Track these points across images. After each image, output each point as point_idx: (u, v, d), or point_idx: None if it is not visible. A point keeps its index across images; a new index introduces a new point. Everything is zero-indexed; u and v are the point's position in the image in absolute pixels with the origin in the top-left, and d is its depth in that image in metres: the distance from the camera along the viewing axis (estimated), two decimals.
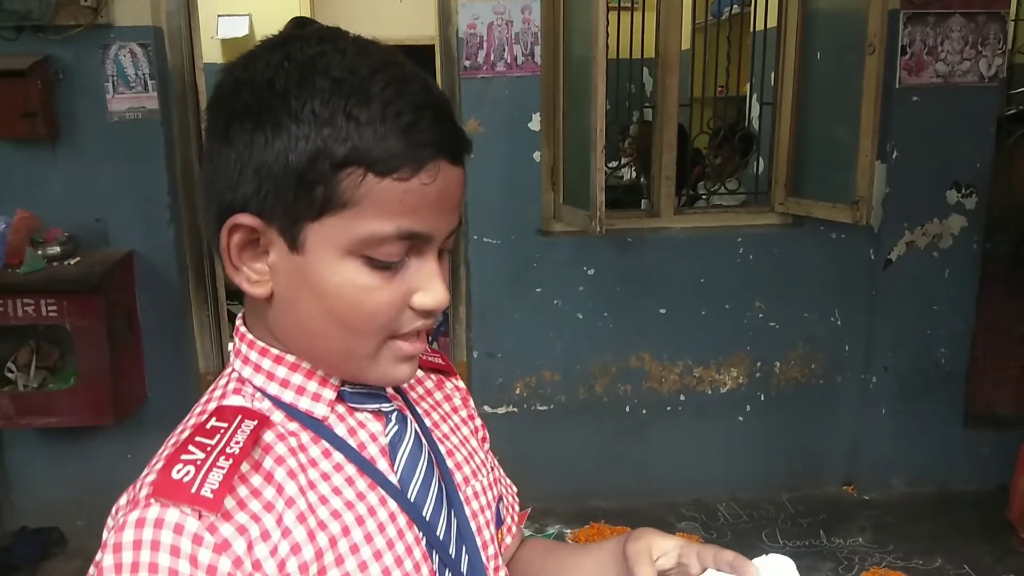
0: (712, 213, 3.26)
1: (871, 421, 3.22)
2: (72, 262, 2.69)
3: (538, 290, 3.01)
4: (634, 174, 4.16)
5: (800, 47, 3.01)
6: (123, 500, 0.63)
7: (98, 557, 0.60)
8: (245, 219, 0.62)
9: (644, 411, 3.17)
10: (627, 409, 3.16)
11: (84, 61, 2.74)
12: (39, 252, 2.66)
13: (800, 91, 3.04)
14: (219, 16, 5.48)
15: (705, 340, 3.14)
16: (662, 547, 0.75)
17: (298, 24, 0.66)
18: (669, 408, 3.18)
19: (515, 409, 3.09)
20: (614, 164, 4.29)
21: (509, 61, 2.82)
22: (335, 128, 0.59)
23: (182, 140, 2.92)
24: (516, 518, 0.91)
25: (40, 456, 2.99)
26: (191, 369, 3.07)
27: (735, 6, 4.10)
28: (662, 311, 3.09)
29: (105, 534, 0.63)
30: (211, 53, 4.68)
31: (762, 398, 3.22)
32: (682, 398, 3.18)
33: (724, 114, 3.65)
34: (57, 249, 2.70)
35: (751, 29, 3.48)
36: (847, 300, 3.16)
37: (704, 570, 0.72)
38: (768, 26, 3.22)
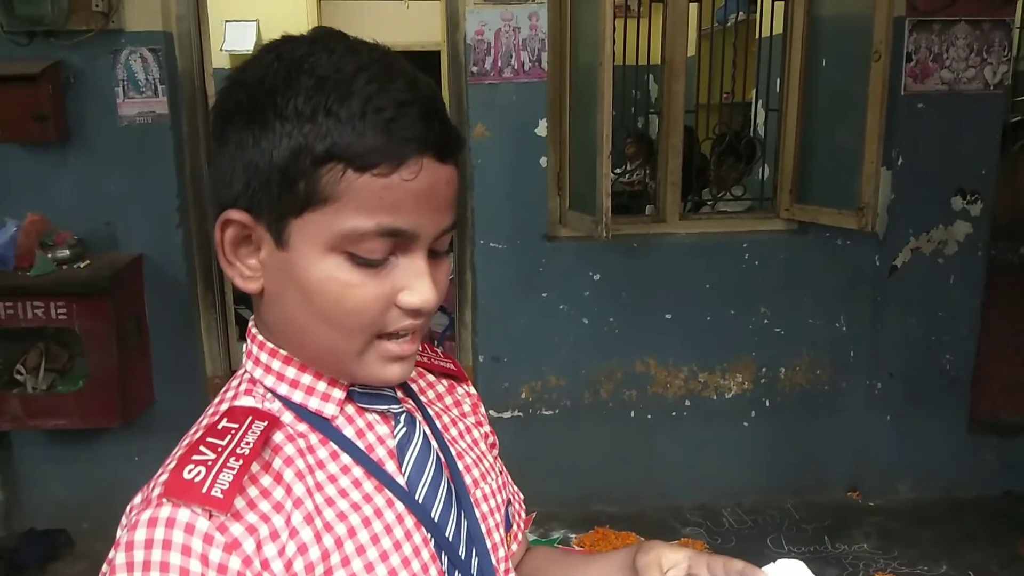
0: (717, 219, 3.26)
1: (876, 427, 3.22)
2: (82, 265, 2.71)
3: (544, 295, 3.02)
4: (646, 178, 4.16)
5: (806, 54, 3.02)
6: (137, 499, 0.64)
7: (111, 555, 0.61)
8: (234, 215, 0.64)
9: (649, 416, 3.17)
10: (632, 414, 3.17)
11: (95, 66, 2.77)
12: (49, 255, 2.68)
13: (806, 97, 3.05)
14: (226, 22, 5.50)
15: (710, 345, 3.15)
16: (672, 559, 0.75)
17: (278, 42, 0.66)
18: (674, 413, 3.19)
19: (520, 413, 3.09)
20: (619, 170, 4.31)
21: (516, 67, 2.84)
22: (315, 124, 0.60)
23: (191, 144, 2.94)
24: (523, 524, 0.92)
25: (48, 458, 3.00)
26: (199, 372, 3.08)
27: (741, 13, 4.11)
28: (667, 316, 3.10)
29: (119, 532, 0.64)
30: (219, 61, 4.70)
31: (767, 404, 3.22)
32: (687, 403, 3.19)
33: (730, 120, 3.66)
34: (67, 252, 2.72)
35: (757, 36, 3.50)
36: (852, 306, 3.16)
37: None
38: (774, 33, 3.23)
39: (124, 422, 2.78)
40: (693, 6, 3.08)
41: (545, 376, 3.09)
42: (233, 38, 5.64)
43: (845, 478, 3.30)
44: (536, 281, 3.01)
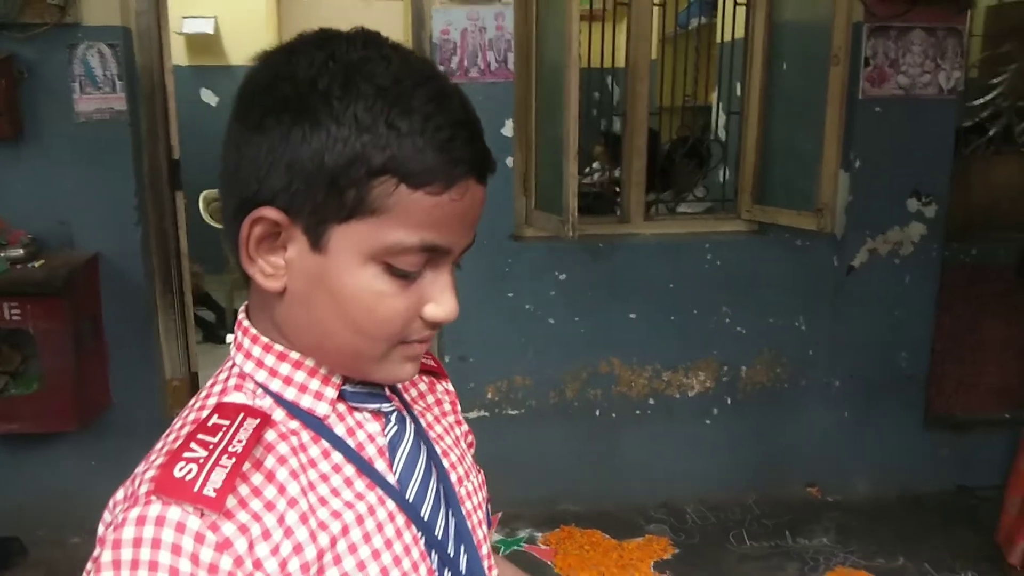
0: (680, 220, 3.31)
1: (834, 424, 3.29)
2: (36, 264, 2.64)
3: (510, 295, 3.02)
4: (609, 180, 4.20)
5: (766, 58, 3.07)
6: (120, 495, 0.63)
7: (96, 552, 0.59)
8: (270, 212, 0.62)
9: (614, 415, 3.20)
10: (597, 413, 3.19)
11: (50, 60, 2.70)
12: (2, 254, 2.61)
13: (766, 101, 3.11)
14: (184, 17, 5.41)
15: (673, 345, 3.18)
16: None
17: (325, 37, 0.65)
18: (638, 412, 3.21)
19: (487, 413, 3.09)
20: (586, 170, 4.34)
21: (483, 67, 2.84)
22: (375, 135, 0.59)
23: (150, 141, 2.88)
24: (492, 523, 0.93)
25: (0, 463, 2.91)
26: (157, 375, 3.02)
27: (702, 18, 4.17)
28: (632, 316, 3.13)
29: (101, 529, 0.62)
30: (177, 53, 4.61)
31: (729, 402, 3.27)
32: (651, 402, 3.22)
33: (692, 123, 3.71)
34: (21, 251, 2.65)
35: (717, 40, 3.55)
36: (811, 306, 3.23)
37: None
38: (735, 37, 3.28)
39: (80, 426, 2.71)
40: (657, 10, 3.11)
41: (511, 376, 3.09)
42: (190, 28, 5.56)
43: (805, 474, 3.37)
44: (502, 281, 3.01)
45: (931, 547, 2.98)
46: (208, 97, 6.18)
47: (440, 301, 0.66)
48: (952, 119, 3.11)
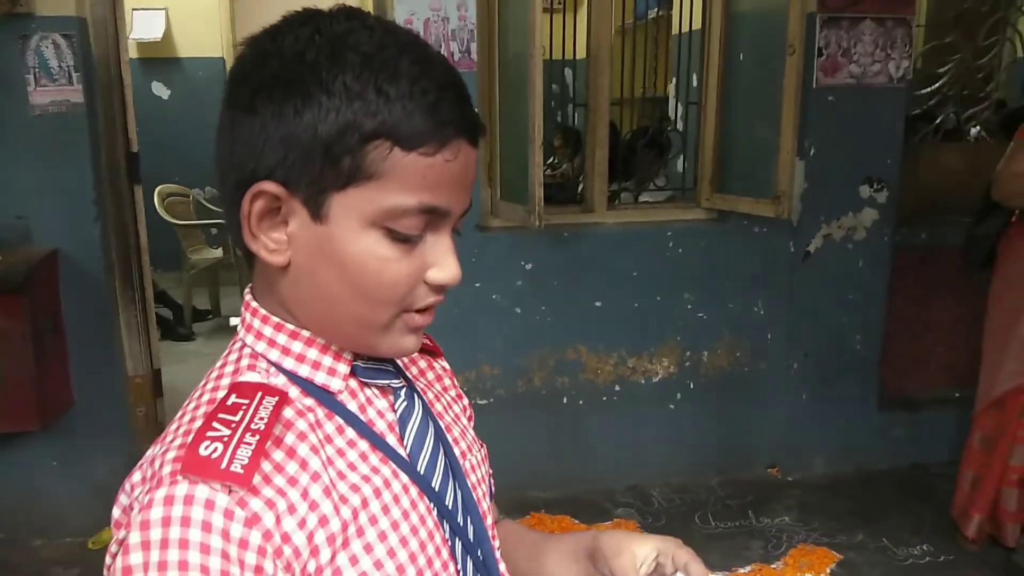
0: (643, 208, 3.36)
1: (793, 405, 3.38)
2: None
3: (477, 285, 3.04)
4: (572, 170, 4.23)
5: (723, 49, 3.13)
6: (136, 477, 0.63)
7: (121, 535, 0.60)
8: (269, 187, 0.63)
9: (581, 402, 3.24)
10: (565, 401, 3.23)
11: (3, 52, 2.63)
12: None
13: (724, 91, 3.17)
14: (134, 10, 5.30)
15: (638, 331, 3.24)
16: (642, 556, 0.80)
17: (308, 15, 0.66)
18: (605, 398, 3.26)
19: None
20: (548, 162, 4.37)
21: (446, 57, 2.84)
22: (365, 102, 0.60)
23: (108, 134, 2.83)
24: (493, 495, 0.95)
25: None
26: (118, 372, 2.97)
27: (658, 10, 4.23)
28: (597, 304, 3.17)
29: (117, 512, 0.63)
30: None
31: (692, 386, 3.33)
32: (617, 388, 3.27)
33: (652, 114, 3.76)
34: None
35: (674, 31, 3.61)
36: (769, 291, 3.31)
37: (675, 572, 0.78)
38: (692, 28, 3.34)
39: (41, 425, 2.66)
40: (615, 1, 3.15)
41: (479, 366, 3.11)
42: (141, 26, 5.44)
43: (766, 455, 3.45)
44: (468, 271, 2.98)
45: (889, 523, 3.09)
46: (159, 90, 6.07)
47: (443, 265, 0.67)
48: (902, 107, 3.21)
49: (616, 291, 3.18)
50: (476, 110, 0.67)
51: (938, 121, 3.47)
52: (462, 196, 0.67)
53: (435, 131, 0.62)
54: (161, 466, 0.60)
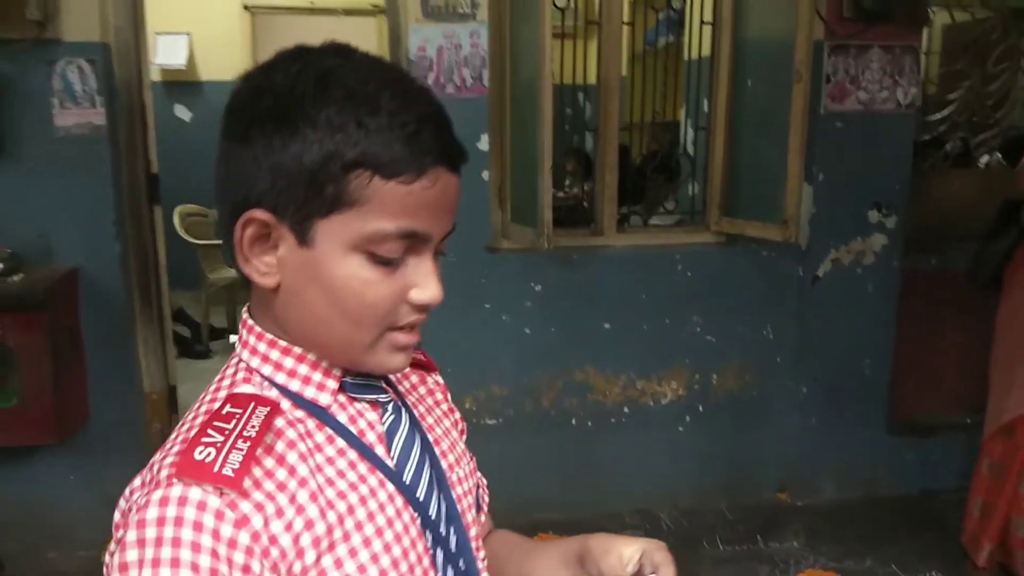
0: (652, 232, 3.39)
1: (802, 429, 3.38)
2: (15, 278, 2.64)
3: (487, 306, 3.08)
4: (582, 193, 4.28)
5: (732, 75, 3.17)
6: (136, 483, 0.67)
7: (118, 535, 0.64)
8: (259, 214, 0.68)
9: (589, 423, 3.26)
10: (573, 422, 3.25)
11: (29, 75, 2.72)
12: None
13: (732, 116, 3.20)
14: (157, 34, 5.42)
15: (646, 353, 3.26)
16: (628, 556, 0.83)
17: (299, 52, 0.71)
18: (613, 420, 3.28)
19: (464, 423, 3.13)
20: (567, 183, 4.42)
21: (459, 83, 2.91)
22: (347, 134, 0.65)
23: (129, 155, 2.91)
24: (487, 507, 0.98)
25: None
26: (135, 388, 3.03)
27: (670, 36, 4.28)
28: (606, 326, 3.20)
29: (117, 516, 0.67)
30: (152, 74, 4.63)
31: (700, 409, 3.34)
32: (625, 410, 3.28)
33: (662, 139, 3.80)
34: (0, 266, 2.65)
35: (685, 58, 3.66)
36: (778, 314, 3.32)
37: (652, 572, 0.81)
38: (702, 55, 3.38)
39: (59, 440, 2.71)
40: (626, 29, 3.20)
41: (488, 386, 3.14)
42: (165, 51, 5.57)
43: (774, 479, 3.45)
44: (479, 292, 3.07)
45: (898, 549, 3.07)
46: (182, 113, 6.19)
47: (424, 285, 0.71)
48: (910, 133, 3.23)
49: (625, 313, 3.20)
50: (458, 140, 0.71)
51: (948, 147, 3.48)
52: (442, 220, 0.71)
53: (413, 160, 0.66)
54: (159, 470, 0.65)
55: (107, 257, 2.88)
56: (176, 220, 5.11)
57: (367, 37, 5.58)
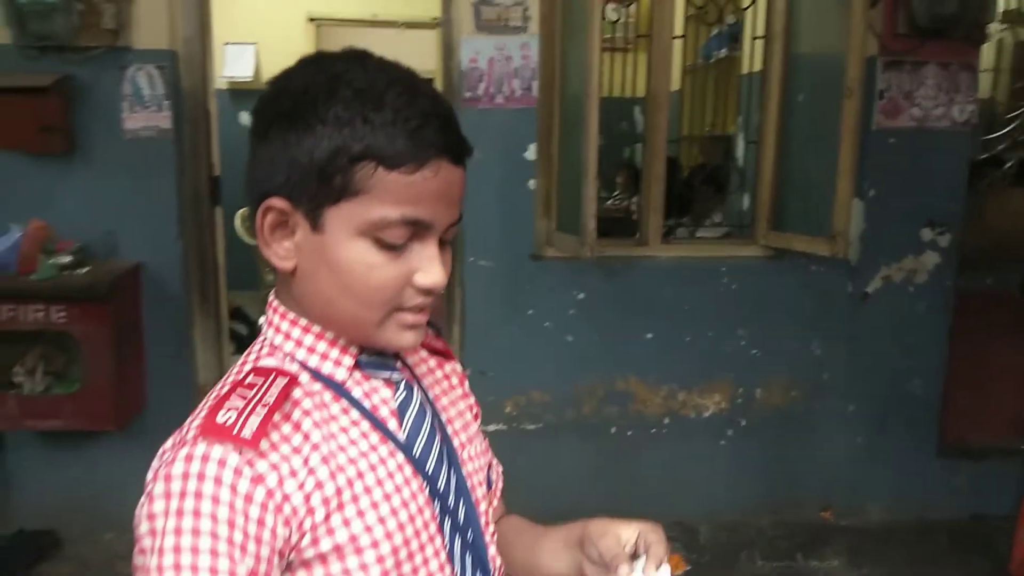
0: (698, 244, 3.39)
1: (848, 448, 3.33)
2: (82, 271, 2.79)
3: (530, 312, 3.12)
4: (631, 205, 4.31)
5: (783, 89, 3.16)
6: (169, 443, 0.75)
7: (149, 487, 0.71)
8: (276, 202, 0.75)
9: (630, 432, 3.27)
10: (613, 431, 3.26)
11: (102, 80, 2.88)
12: (51, 261, 2.76)
13: (783, 131, 3.19)
14: (226, 44, 5.63)
15: (689, 365, 3.26)
16: (625, 537, 0.87)
17: (317, 57, 0.78)
18: (654, 431, 3.28)
19: (505, 427, 3.18)
20: (614, 195, 4.45)
21: (508, 94, 2.97)
22: (353, 129, 0.72)
23: (193, 159, 3.04)
24: (501, 488, 1.03)
25: (39, 460, 3.06)
26: (190, 381, 3.15)
27: (724, 50, 4.28)
28: (649, 336, 3.21)
29: (150, 475, 0.74)
30: (217, 78, 4.82)
31: (743, 423, 3.32)
32: (666, 421, 3.28)
33: (713, 151, 3.81)
34: (68, 258, 2.80)
35: (740, 72, 3.66)
36: (826, 330, 3.28)
37: (644, 551, 0.86)
38: (755, 69, 3.38)
39: (117, 426, 2.85)
40: (678, 42, 3.23)
41: (529, 391, 3.19)
42: (232, 61, 5.78)
43: (818, 497, 3.40)
44: (522, 299, 3.12)
45: (944, 575, 3.00)
46: (246, 120, 6.40)
47: (427, 270, 0.77)
48: (965, 151, 3.18)
49: (668, 324, 3.21)
50: (462, 135, 0.77)
51: (1007, 165, 3.41)
52: (445, 209, 0.77)
53: (415, 152, 0.72)
54: (187, 431, 0.73)
55: (169, 254, 3.02)
56: (237, 222, 5.28)
57: (426, 49, 5.69)
